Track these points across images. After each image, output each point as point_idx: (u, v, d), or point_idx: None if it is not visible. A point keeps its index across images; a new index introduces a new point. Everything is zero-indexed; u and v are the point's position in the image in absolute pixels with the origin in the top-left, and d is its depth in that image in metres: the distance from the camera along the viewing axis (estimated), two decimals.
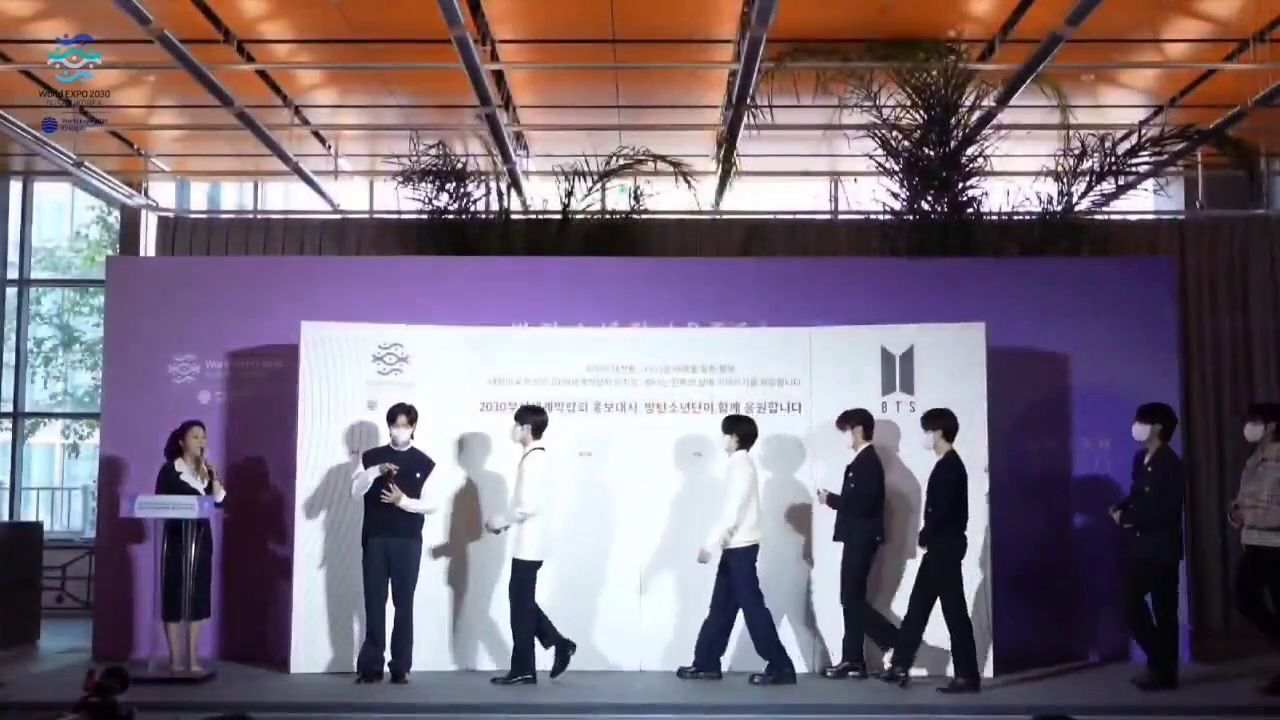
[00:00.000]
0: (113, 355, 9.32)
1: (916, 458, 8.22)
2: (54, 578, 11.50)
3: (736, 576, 7.89)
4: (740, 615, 7.99)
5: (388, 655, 7.96)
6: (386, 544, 7.91)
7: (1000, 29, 9.37)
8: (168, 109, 11.35)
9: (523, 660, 7.83)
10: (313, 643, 8.27)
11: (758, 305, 9.19)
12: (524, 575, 7.82)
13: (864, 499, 8.03)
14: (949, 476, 7.76)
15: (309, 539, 8.35)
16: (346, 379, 8.50)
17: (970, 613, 7.81)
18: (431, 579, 8.34)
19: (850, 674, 8.05)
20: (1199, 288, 11.74)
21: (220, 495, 8.23)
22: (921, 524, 7.92)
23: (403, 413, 8.01)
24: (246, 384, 9.15)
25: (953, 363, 8.42)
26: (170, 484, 8.10)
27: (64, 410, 15.34)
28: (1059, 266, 9.57)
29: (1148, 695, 7.65)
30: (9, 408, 13.04)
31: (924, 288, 9.21)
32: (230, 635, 8.83)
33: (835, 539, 8.10)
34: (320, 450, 8.41)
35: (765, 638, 7.90)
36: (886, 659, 7.97)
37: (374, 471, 7.85)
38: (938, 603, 7.75)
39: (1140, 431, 7.97)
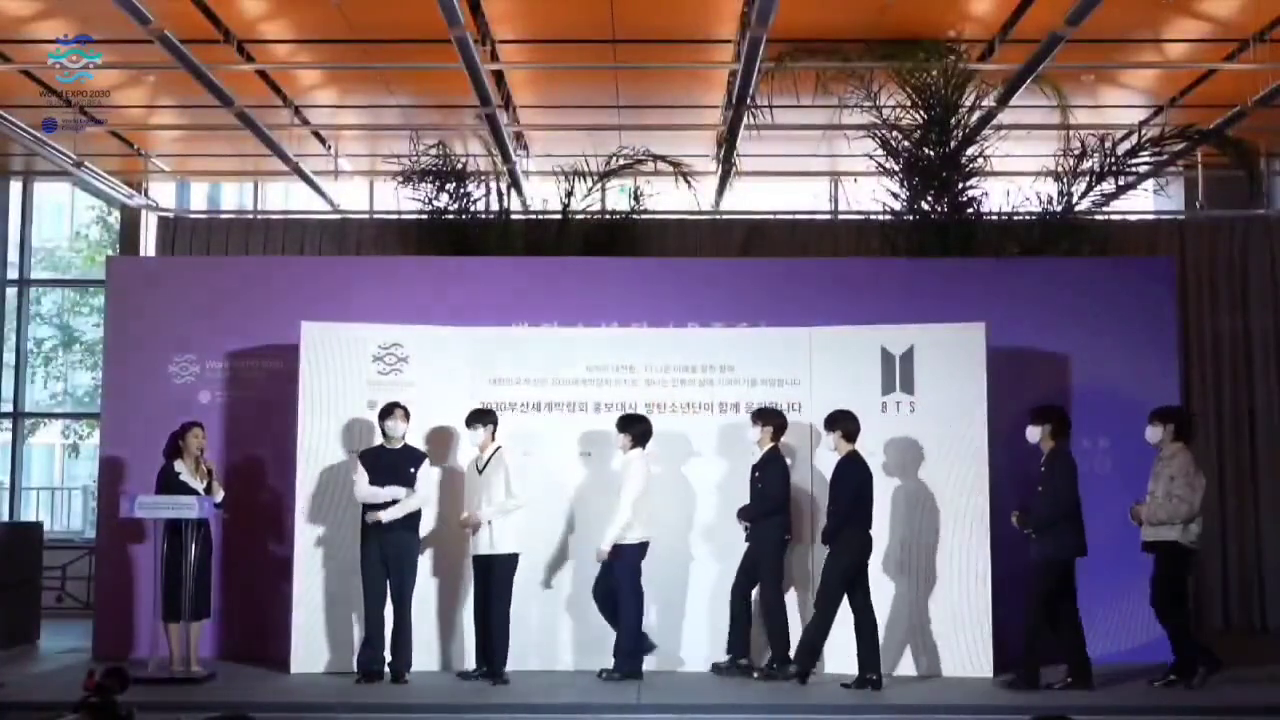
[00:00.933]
0: (113, 355, 9.32)
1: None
2: (54, 578, 11.49)
3: (621, 572, 7.97)
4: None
5: (387, 655, 7.97)
6: (384, 543, 7.92)
7: (1000, 29, 9.38)
8: (168, 109, 11.35)
9: (502, 659, 7.95)
10: (313, 643, 8.27)
11: (758, 305, 9.18)
12: (511, 570, 7.93)
13: (771, 498, 8.06)
14: (850, 475, 7.87)
15: (309, 539, 8.35)
16: (346, 379, 8.50)
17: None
18: (430, 580, 8.37)
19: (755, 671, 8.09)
20: (1199, 288, 11.76)
21: (219, 495, 8.23)
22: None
23: (399, 408, 8.06)
24: (246, 384, 9.14)
25: (953, 363, 8.42)
26: (170, 484, 8.09)
27: (64, 410, 15.34)
28: (1059, 266, 9.57)
29: (1150, 695, 7.63)
30: (9, 408, 13.05)
31: (924, 288, 9.21)
32: (230, 635, 8.82)
33: (747, 540, 8.15)
34: (320, 450, 8.41)
35: (632, 635, 7.99)
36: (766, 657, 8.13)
37: (387, 502, 7.92)
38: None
39: (1033, 434, 8.00)
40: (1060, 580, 7.82)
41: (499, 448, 8.07)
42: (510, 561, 7.94)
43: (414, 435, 8.27)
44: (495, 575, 7.92)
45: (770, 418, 8.21)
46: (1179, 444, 7.90)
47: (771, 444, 8.17)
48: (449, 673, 8.28)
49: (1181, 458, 7.83)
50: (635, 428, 8.18)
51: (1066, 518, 7.82)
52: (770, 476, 8.09)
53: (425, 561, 8.34)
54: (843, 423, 8.00)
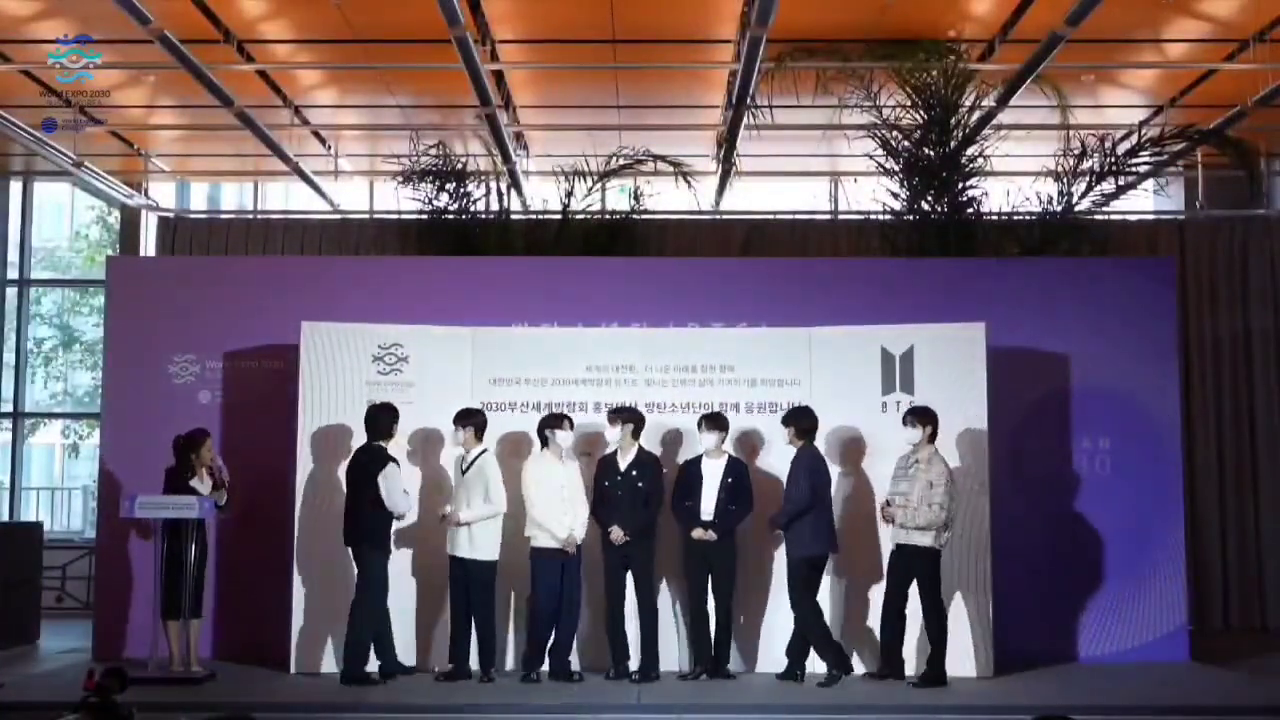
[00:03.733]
0: (113, 355, 9.31)
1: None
2: (54, 578, 11.50)
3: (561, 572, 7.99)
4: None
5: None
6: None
7: (1000, 29, 9.39)
8: (168, 109, 11.36)
9: (489, 660, 7.97)
10: (312, 643, 8.26)
11: (758, 305, 9.17)
12: (490, 576, 7.96)
13: (649, 496, 8.06)
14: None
15: (309, 539, 8.34)
16: (346, 379, 8.50)
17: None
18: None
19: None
20: (1199, 288, 11.76)
21: (223, 499, 8.22)
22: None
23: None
24: (246, 384, 9.13)
25: (953, 363, 8.41)
26: (180, 491, 8.08)
27: (64, 410, 15.34)
28: (1059, 266, 9.56)
29: (1151, 695, 7.63)
30: (9, 408, 13.05)
31: (924, 288, 9.20)
32: (229, 635, 8.80)
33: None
34: (320, 450, 8.40)
35: (544, 638, 8.02)
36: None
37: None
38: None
39: (784, 435, 8.11)
40: (809, 576, 7.91)
41: (484, 450, 8.07)
42: (489, 568, 7.95)
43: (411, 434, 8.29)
44: (476, 581, 7.94)
45: (632, 415, 8.20)
46: (933, 447, 7.92)
47: (635, 443, 8.16)
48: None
49: (939, 464, 7.85)
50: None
51: (810, 516, 7.89)
52: (648, 476, 8.08)
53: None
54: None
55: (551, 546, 7.93)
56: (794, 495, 7.92)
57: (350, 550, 7.97)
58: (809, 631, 7.91)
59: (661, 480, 8.14)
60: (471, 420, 8.05)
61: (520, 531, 8.06)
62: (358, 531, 7.93)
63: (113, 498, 8.69)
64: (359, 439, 8.29)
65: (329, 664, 8.22)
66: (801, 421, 8.06)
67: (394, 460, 8.01)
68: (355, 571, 7.99)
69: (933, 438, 7.92)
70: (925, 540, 7.78)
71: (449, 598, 8.08)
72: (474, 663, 8.01)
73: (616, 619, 8.09)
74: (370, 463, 7.93)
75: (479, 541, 7.91)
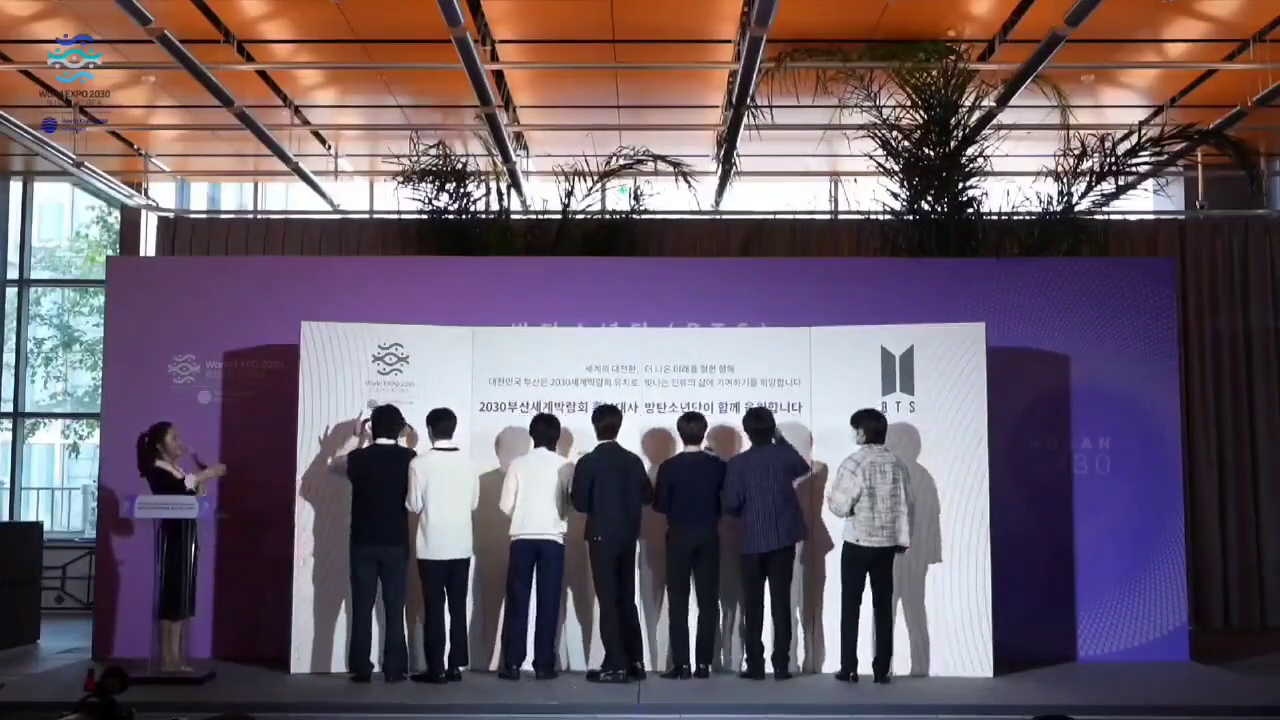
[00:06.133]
0: (113, 355, 9.31)
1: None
2: (54, 578, 11.50)
3: (557, 568, 8.06)
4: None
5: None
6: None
7: (1000, 29, 9.39)
8: (168, 109, 11.36)
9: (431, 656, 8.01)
10: (312, 643, 8.26)
11: (758, 305, 9.17)
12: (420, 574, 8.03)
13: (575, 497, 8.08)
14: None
15: (308, 539, 8.34)
16: (346, 379, 8.50)
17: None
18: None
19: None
20: (1199, 288, 11.77)
21: (203, 491, 8.23)
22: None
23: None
24: (246, 384, 9.13)
25: (953, 363, 8.41)
26: (167, 484, 8.08)
27: (64, 410, 15.35)
28: (1059, 266, 9.56)
29: (1151, 695, 7.63)
30: (9, 408, 13.05)
31: (924, 288, 9.20)
32: (229, 635, 8.81)
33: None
34: (320, 450, 8.40)
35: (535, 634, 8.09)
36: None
37: None
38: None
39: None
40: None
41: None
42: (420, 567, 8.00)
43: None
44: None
45: (594, 417, 8.25)
46: (864, 446, 7.99)
47: (604, 441, 8.18)
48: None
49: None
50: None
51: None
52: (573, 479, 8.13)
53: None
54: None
55: None
56: None
57: (385, 550, 7.94)
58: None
59: (575, 480, 8.05)
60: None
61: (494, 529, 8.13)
62: (401, 530, 8.00)
63: (113, 498, 8.69)
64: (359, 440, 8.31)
65: (329, 664, 8.22)
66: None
67: None
68: (368, 571, 7.96)
69: (865, 438, 7.98)
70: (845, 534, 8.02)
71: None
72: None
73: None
74: (405, 463, 8.02)
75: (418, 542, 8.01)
